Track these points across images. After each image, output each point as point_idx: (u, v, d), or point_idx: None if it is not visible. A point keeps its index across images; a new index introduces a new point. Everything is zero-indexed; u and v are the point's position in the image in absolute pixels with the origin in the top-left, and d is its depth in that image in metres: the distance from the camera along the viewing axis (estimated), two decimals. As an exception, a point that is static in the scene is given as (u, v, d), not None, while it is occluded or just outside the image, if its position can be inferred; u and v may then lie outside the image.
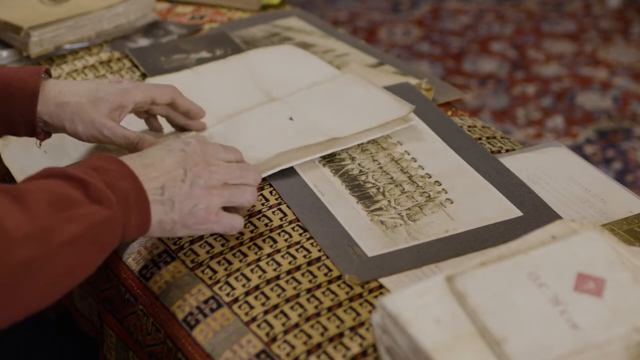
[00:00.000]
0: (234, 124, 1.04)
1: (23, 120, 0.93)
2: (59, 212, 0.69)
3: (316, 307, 0.80)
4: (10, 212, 0.67)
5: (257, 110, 1.07)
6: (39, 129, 0.94)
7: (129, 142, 0.92)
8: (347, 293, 0.81)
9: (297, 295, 0.81)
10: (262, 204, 0.93)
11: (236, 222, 0.84)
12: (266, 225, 0.90)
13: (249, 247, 0.87)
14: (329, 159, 0.99)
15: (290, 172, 0.97)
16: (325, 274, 0.84)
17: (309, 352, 0.75)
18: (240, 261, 0.86)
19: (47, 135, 0.96)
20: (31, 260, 0.66)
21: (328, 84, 1.12)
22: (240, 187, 0.84)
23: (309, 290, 0.82)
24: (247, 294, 0.82)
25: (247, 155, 0.92)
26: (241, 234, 0.89)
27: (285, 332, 0.78)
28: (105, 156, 0.78)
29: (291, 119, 0.99)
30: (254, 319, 0.80)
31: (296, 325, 0.79)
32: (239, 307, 0.81)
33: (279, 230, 0.89)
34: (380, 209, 0.91)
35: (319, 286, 0.82)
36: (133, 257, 0.90)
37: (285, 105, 1.07)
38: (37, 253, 0.67)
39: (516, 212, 0.91)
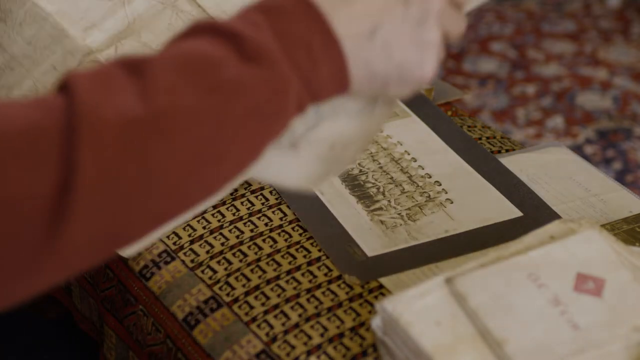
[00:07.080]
0: None
1: None
2: (188, 84, 0.53)
3: (316, 307, 0.80)
4: (123, 91, 0.51)
5: None
6: None
7: None
8: (347, 293, 0.81)
9: (297, 295, 0.81)
10: (262, 204, 0.92)
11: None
12: (266, 224, 0.90)
13: (249, 247, 0.87)
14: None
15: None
16: (325, 274, 0.83)
17: (309, 353, 0.75)
18: (240, 261, 0.86)
19: None
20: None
21: None
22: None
23: (309, 291, 0.82)
24: (247, 294, 0.82)
25: None
26: (241, 232, 0.89)
27: (285, 332, 0.78)
28: None
29: None
30: (254, 319, 0.80)
31: (296, 325, 0.78)
32: (239, 307, 0.81)
33: (279, 230, 0.89)
34: (380, 208, 0.91)
35: (319, 286, 0.82)
36: (133, 257, 0.90)
37: None
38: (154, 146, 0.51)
39: (516, 212, 0.91)
